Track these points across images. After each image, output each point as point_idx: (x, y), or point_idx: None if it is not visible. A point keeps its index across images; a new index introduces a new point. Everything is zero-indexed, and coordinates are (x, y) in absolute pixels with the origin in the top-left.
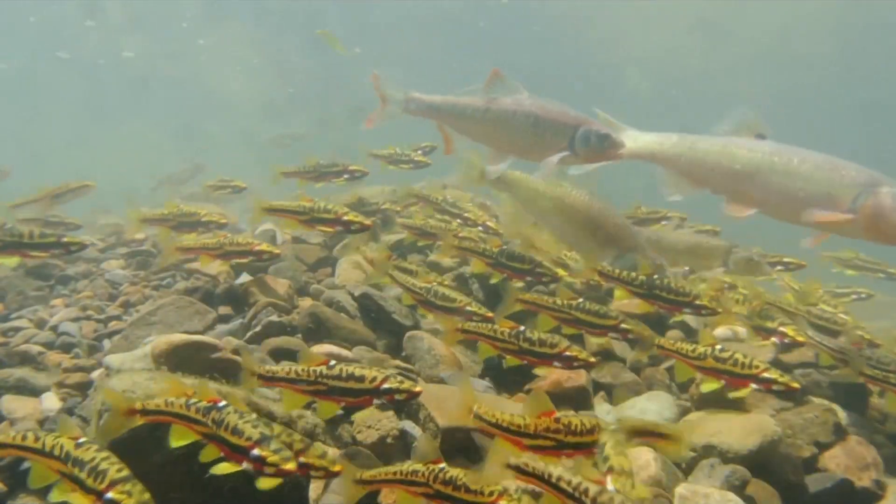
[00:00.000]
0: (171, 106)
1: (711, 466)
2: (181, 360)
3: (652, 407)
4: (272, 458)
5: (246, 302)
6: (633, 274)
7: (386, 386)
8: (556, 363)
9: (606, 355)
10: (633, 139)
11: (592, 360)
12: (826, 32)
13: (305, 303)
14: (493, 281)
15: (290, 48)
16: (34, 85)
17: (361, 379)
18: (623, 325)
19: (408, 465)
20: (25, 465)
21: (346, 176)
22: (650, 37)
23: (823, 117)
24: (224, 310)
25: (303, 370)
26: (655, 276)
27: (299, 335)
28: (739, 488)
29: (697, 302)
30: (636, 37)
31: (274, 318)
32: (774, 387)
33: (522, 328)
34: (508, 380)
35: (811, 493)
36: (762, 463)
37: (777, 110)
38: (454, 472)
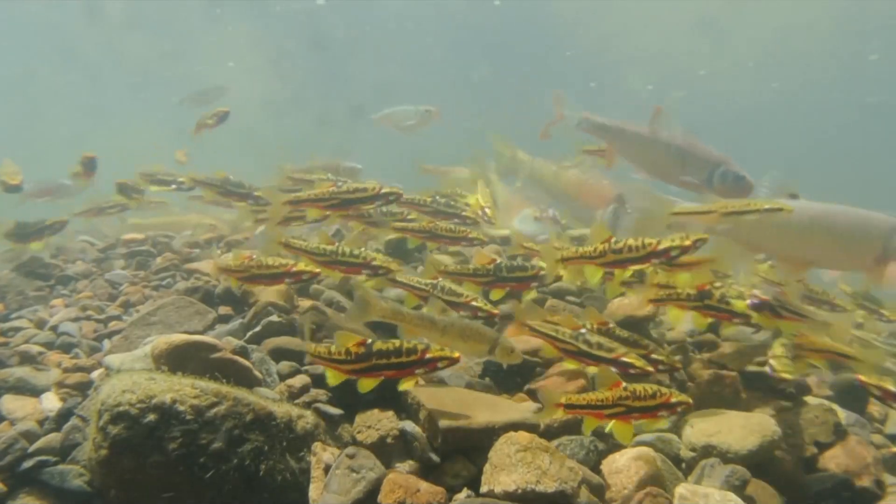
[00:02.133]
0: (171, 105)
1: (711, 466)
2: (181, 360)
3: None
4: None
5: (246, 302)
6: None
7: (384, 191)
8: None
9: None
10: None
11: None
12: (826, 32)
13: (305, 303)
14: (495, 298)
15: (290, 48)
16: (34, 85)
17: (365, 189)
18: (624, 359)
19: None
20: (25, 465)
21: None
22: (650, 37)
23: (823, 117)
24: (224, 310)
25: (321, 192)
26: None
27: (299, 335)
28: (739, 488)
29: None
30: (636, 37)
31: (274, 318)
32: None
33: None
34: (508, 380)
35: (811, 493)
36: (762, 463)
37: (777, 111)
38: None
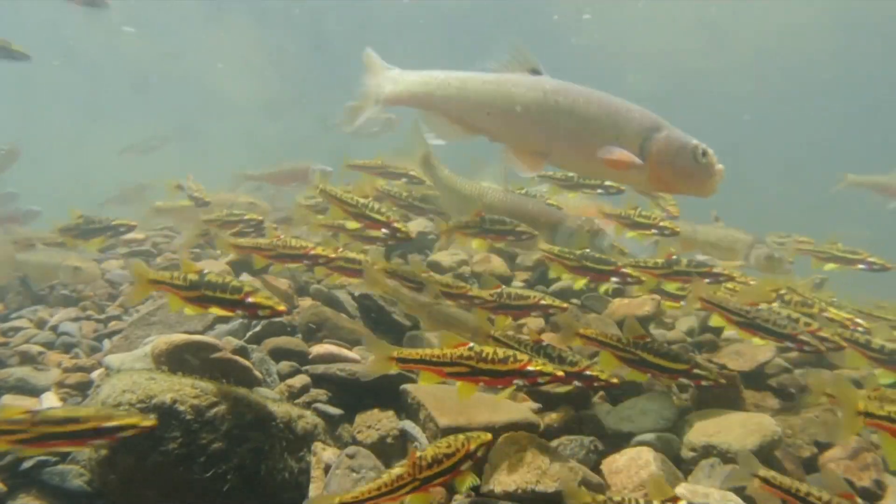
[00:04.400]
0: (171, 105)
1: (711, 466)
2: (181, 359)
3: (652, 407)
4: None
5: None
6: (567, 250)
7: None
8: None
9: None
10: (394, 81)
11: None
12: (826, 33)
13: (305, 303)
14: (577, 287)
15: (290, 48)
16: (34, 85)
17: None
18: (696, 371)
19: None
20: (25, 465)
21: None
22: (650, 37)
23: (823, 117)
24: None
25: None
26: (586, 249)
27: (299, 335)
28: (739, 488)
29: (623, 271)
30: (636, 37)
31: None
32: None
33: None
34: None
35: None
36: (762, 463)
37: (778, 110)
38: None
